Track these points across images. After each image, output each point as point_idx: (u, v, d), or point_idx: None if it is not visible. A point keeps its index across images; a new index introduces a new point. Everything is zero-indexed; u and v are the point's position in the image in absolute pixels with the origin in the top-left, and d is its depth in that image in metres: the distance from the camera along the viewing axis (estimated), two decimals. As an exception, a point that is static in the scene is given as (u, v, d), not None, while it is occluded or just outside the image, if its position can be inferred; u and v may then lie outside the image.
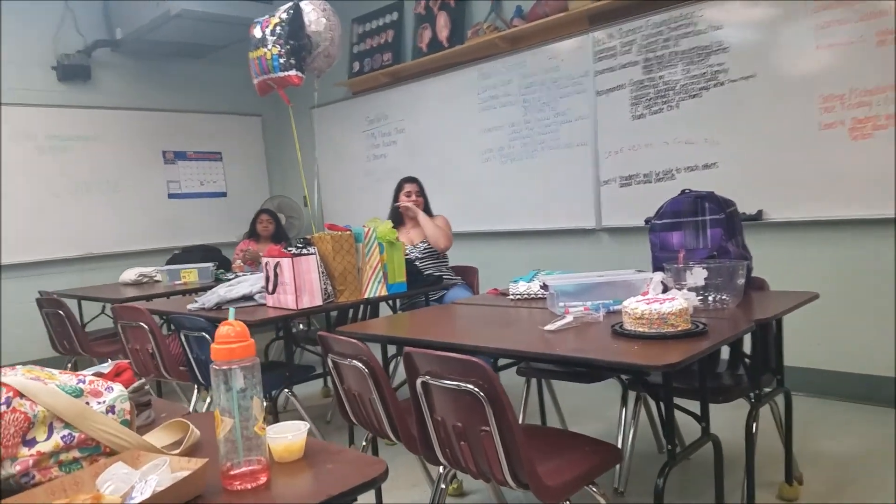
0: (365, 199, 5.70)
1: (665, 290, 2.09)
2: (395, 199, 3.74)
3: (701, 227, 2.32)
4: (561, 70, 4.24)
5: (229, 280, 3.31)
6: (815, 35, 3.21)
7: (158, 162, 5.82)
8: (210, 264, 4.25)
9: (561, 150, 4.29)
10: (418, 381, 1.66)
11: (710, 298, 2.11)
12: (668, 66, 3.73)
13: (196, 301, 2.97)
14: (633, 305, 1.83)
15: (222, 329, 1.04)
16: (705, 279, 2.12)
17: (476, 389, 1.50)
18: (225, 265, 4.62)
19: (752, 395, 2.12)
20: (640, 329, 1.79)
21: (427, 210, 3.76)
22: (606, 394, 3.18)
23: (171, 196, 5.89)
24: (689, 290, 2.09)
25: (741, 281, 2.10)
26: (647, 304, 1.81)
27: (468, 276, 3.72)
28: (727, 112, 3.53)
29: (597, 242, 4.21)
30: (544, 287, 2.46)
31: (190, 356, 2.75)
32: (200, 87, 6.12)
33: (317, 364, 3.31)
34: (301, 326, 4.46)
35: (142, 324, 2.90)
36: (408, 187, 3.75)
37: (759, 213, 3.43)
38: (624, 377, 2.45)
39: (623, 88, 3.93)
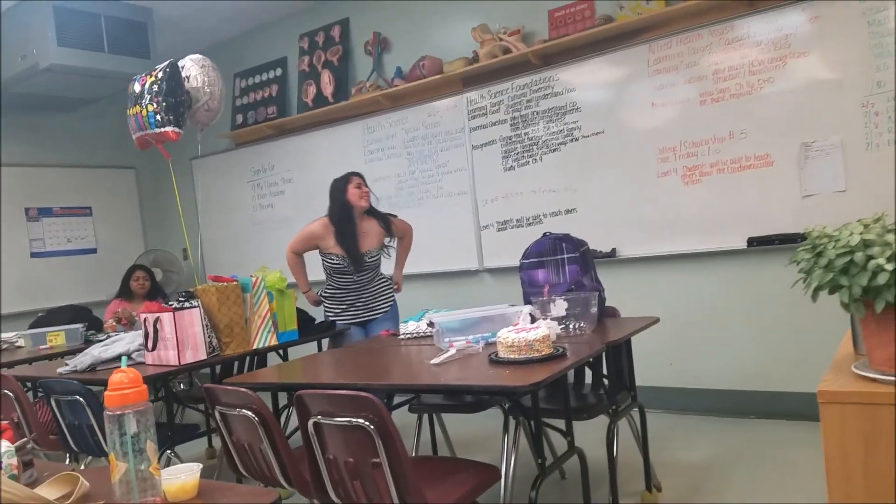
0: (252, 249, 5.72)
1: (533, 320, 2.37)
2: (343, 193, 3.41)
3: (560, 264, 2.66)
4: (440, 126, 4.59)
5: (102, 341, 3.14)
6: (652, 96, 3.75)
7: (20, 220, 5.53)
8: (79, 325, 4.04)
9: (444, 198, 4.61)
10: (310, 422, 1.73)
11: (570, 326, 2.43)
12: (532, 124, 4.18)
13: (67, 364, 2.85)
14: (505, 335, 2.08)
15: (115, 377, 1.14)
16: (566, 309, 2.44)
17: (367, 423, 1.59)
18: (96, 326, 4.38)
19: (610, 410, 2.43)
20: (512, 356, 2.05)
21: (374, 206, 3.54)
22: (491, 423, 3.41)
23: (33, 255, 5.58)
24: (553, 319, 2.39)
25: (594, 310, 2.43)
26: (517, 333, 2.07)
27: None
28: (583, 163, 3.99)
29: (480, 282, 4.53)
30: (431, 325, 2.68)
31: (62, 422, 2.58)
32: (71, 140, 5.90)
33: (200, 423, 3.21)
34: (182, 386, 4.31)
35: (6, 391, 2.70)
36: (356, 180, 3.43)
37: (613, 250, 3.89)
38: (504, 404, 2.70)
39: (495, 143, 4.34)
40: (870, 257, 1.16)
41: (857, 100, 3.21)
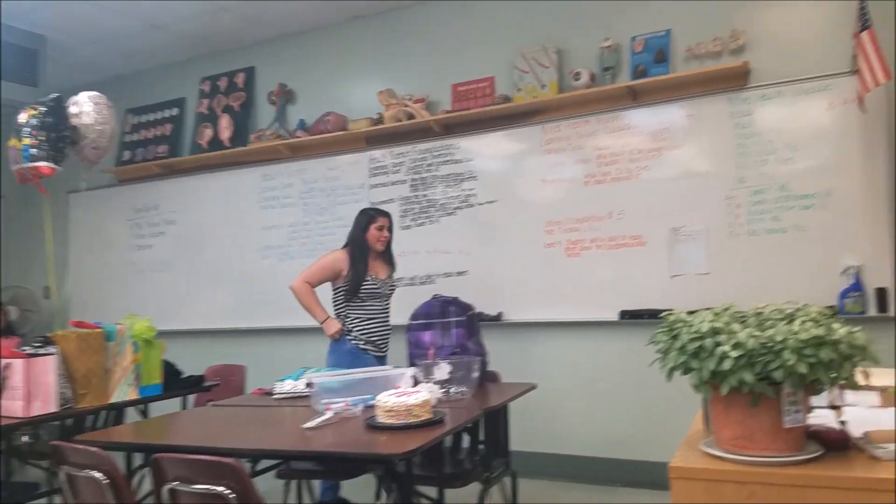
0: (124, 291, 5.36)
1: (416, 383, 2.37)
2: (364, 230, 3.38)
3: (447, 327, 2.70)
4: (340, 180, 4.60)
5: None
6: (543, 172, 3.97)
7: None
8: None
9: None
10: (165, 489, 1.62)
11: (452, 390, 2.44)
12: (431, 187, 4.28)
13: None
14: (385, 399, 2.05)
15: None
16: (449, 373, 2.46)
17: (227, 492, 1.51)
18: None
19: (484, 477, 2.44)
20: (390, 421, 2.01)
21: (389, 247, 3.49)
22: (365, 489, 3.32)
23: None
24: (436, 382, 2.40)
25: (476, 374, 2.46)
26: (397, 397, 2.05)
27: (234, 374, 3.69)
28: (477, 229, 4.12)
29: (366, 340, 4.47)
30: (309, 385, 2.60)
31: None
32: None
33: (43, 482, 2.94)
34: (25, 438, 3.87)
35: None
36: (381, 220, 3.40)
37: (500, 314, 4.00)
38: (379, 471, 2.64)
39: (394, 202, 4.39)
40: (717, 344, 1.27)
41: (722, 192, 3.55)
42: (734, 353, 1.23)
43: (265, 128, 4.86)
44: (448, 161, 4.26)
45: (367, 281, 3.31)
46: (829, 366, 1.21)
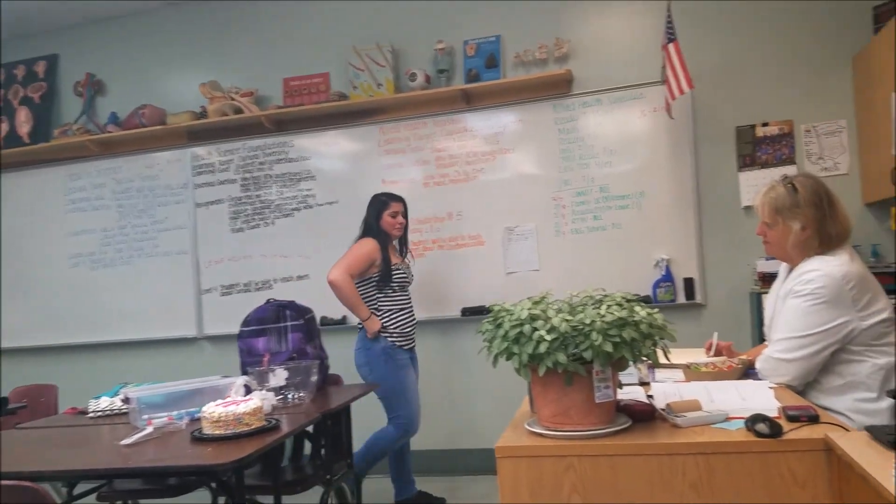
0: None
1: (249, 392, 2.26)
2: (378, 218, 3.23)
3: (283, 332, 2.59)
4: (160, 179, 4.27)
5: None
6: (382, 173, 3.97)
7: None
8: None
9: (160, 257, 4.24)
10: None
11: (290, 396, 2.35)
12: (265, 187, 4.11)
13: None
14: (211, 410, 1.93)
15: None
16: (286, 379, 2.36)
17: None
18: None
19: (325, 480, 2.38)
20: (218, 432, 1.90)
21: (406, 233, 3.36)
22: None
23: None
24: (271, 390, 2.29)
25: (315, 378, 2.40)
26: (225, 407, 1.94)
27: (44, 395, 3.29)
28: (316, 231, 4.03)
29: (199, 351, 4.20)
30: (126, 400, 2.38)
31: None
32: None
33: None
34: None
35: None
36: (395, 206, 3.26)
37: (344, 318, 3.93)
38: (213, 484, 2.48)
39: (222, 203, 4.16)
40: (535, 329, 1.33)
41: (549, 193, 3.77)
42: (549, 337, 1.30)
43: (71, 122, 4.40)
44: (282, 160, 4.12)
45: (398, 270, 3.20)
46: (632, 344, 1.32)
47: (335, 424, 2.47)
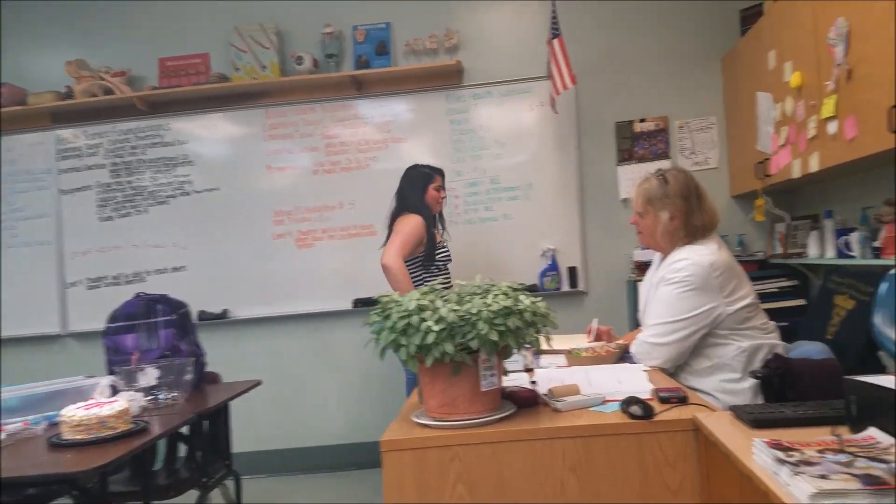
0: None
1: (115, 393, 2.09)
2: (423, 192, 3.05)
3: (154, 328, 2.42)
4: (18, 164, 3.87)
5: None
6: (267, 159, 3.80)
7: None
8: None
9: (19, 248, 3.85)
10: None
11: (162, 396, 2.19)
12: (137, 173, 3.83)
13: None
14: (71, 413, 1.78)
15: None
16: (157, 378, 2.20)
17: None
18: None
19: (201, 483, 2.25)
20: (79, 436, 1.75)
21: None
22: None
23: None
24: (140, 390, 2.13)
25: (189, 376, 2.25)
26: (87, 409, 1.78)
27: None
28: (195, 220, 3.80)
29: (63, 349, 3.85)
30: (-28, 406, 2.13)
31: None
32: None
33: None
34: None
35: None
36: (439, 179, 3.11)
37: (225, 311, 3.75)
38: (75, 492, 2.28)
39: (90, 189, 3.83)
40: (423, 320, 1.30)
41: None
42: (437, 327, 1.28)
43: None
44: (157, 143, 3.84)
45: (442, 247, 3.05)
46: (517, 333, 1.32)
47: (212, 424, 2.33)
